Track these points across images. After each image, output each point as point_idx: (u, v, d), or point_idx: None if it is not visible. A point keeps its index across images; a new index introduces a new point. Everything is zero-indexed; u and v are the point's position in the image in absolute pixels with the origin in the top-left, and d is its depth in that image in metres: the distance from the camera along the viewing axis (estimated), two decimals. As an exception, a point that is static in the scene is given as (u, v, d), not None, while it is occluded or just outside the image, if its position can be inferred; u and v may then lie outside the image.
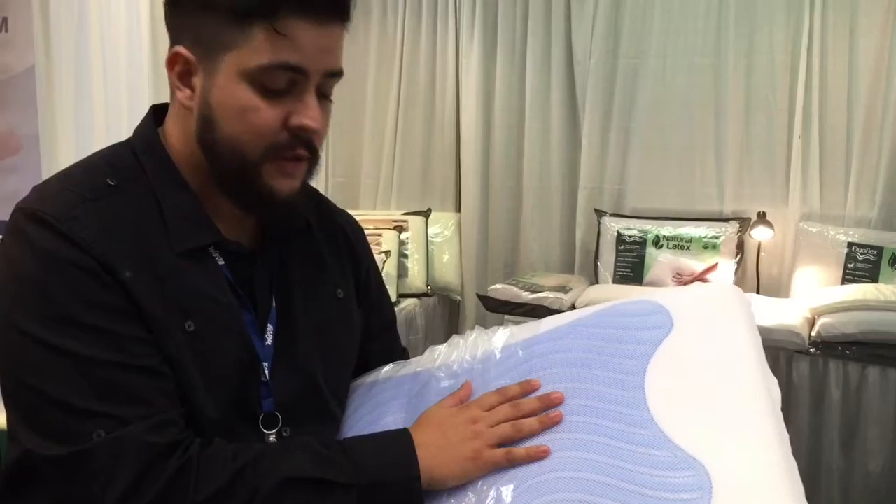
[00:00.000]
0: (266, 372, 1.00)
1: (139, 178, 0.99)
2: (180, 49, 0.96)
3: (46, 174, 2.10)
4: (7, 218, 2.03)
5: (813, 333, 3.29)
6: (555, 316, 1.09)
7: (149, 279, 0.93)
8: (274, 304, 1.04)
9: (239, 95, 0.93)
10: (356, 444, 0.96)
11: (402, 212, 4.51)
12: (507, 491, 0.89)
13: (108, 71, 3.22)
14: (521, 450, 0.92)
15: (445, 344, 1.13)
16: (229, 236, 1.02)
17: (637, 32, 4.18)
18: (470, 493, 0.93)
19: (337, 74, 0.98)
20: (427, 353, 1.14)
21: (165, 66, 0.99)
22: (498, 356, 1.05)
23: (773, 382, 0.95)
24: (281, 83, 0.93)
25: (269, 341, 1.02)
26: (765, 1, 3.95)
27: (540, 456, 0.90)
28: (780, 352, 3.29)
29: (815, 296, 3.53)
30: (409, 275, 4.24)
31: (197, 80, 0.96)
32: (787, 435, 0.89)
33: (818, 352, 3.24)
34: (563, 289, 3.79)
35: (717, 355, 0.95)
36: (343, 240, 1.19)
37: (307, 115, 0.95)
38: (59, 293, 0.89)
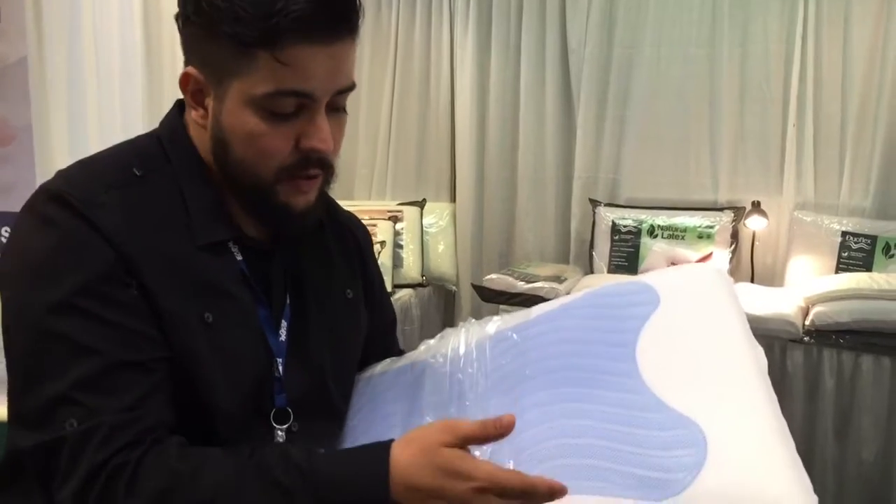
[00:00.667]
0: (280, 368, 1.01)
1: (164, 168, 0.99)
2: (191, 70, 0.96)
3: (40, 165, 2.10)
4: (1, 208, 2.03)
5: (807, 322, 3.30)
6: (546, 302, 1.11)
7: (169, 271, 0.93)
8: (288, 300, 1.05)
9: (246, 121, 0.93)
10: (330, 460, 0.88)
11: (398, 202, 4.51)
12: (510, 463, 0.90)
13: (100, 61, 3.21)
14: None
15: (438, 336, 1.14)
16: (248, 232, 1.02)
17: (632, 22, 4.18)
18: None
19: (348, 90, 0.97)
20: (421, 345, 1.15)
21: (180, 85, 0.98)
22: (490, 342, 1.06)
23: (760, 351, 0.98)
24: (288, 108, 0.93)
25: (282, 337, 1.03)
26: (759, -10, 3.96)
27: None
28: (775, 340, 3.30)
29: (809, 285, 3.54)
30: (404, 265, 4.24)
31: (209, 102, 0.96)
32: (775, 397, 0.93)
33: (812, 340, 3.26)
34: (557, 279, 3.80)
35: (703, 326, 0.99)
36: (352, 241, 1.20)
37: (317, 137, 0.94)
38: (69, 278, 0.88)
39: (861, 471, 3.15)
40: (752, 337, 0.99)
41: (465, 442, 0.84)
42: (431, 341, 1.13)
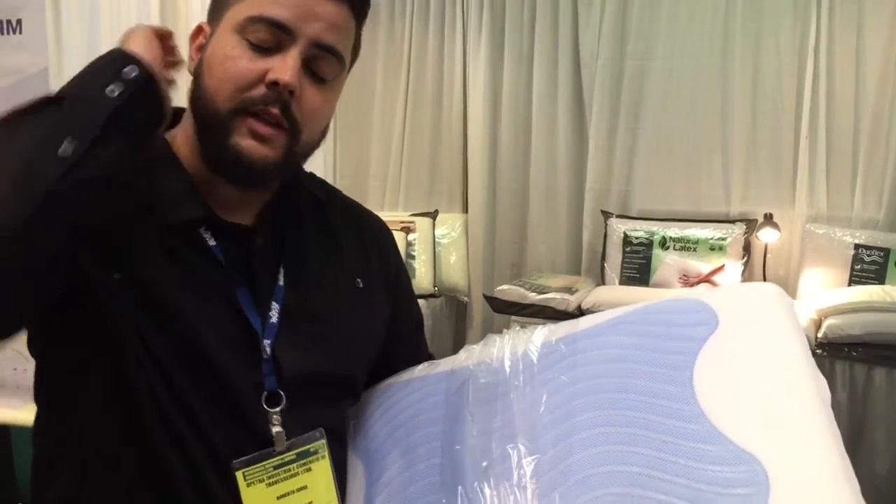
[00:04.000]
0: (267, 349, 0.99)
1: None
2: (202, 23, 1.01)
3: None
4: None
5: (819, 335, 3.29)
6: (594, 314, 1.06)
7: (139, 252, 0.94)
8: (281, 282, 1.04)
9: (224, 43, 0.96)
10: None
11: (410, 213, 4.53)
12: (556, 493, 0.87)
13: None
14: None
15: (481, 343, 1.10)
16: (228, 218, 1.02)
17: (644, 34, 4.20)
18: (517, 491, 0.91)
19: (328, 50, 0.97)
20: (462, 352, 1.11)
21: (190, 40, 1.02)
22: (537, 353, 1.01)
23: (823, 382, 0.92)
24: (265, 38, 0.95)
25: (273, 319, 1.01)
26: (772, 3, 3.97)
27: None
28: (787, 353, 3.29)
29: (821, 297, 3.53)
30: (416, 276, 4.25)
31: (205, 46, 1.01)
32: (839, 432, 0.87)
33: (824, 353, 3.24)
34: (569, 290, 3.81)
35: (765, 352, 0.92)
36: (371, 237, 1.19)
37: (282, 69, 0.94)
38: None
39: (875, 483, 3.13)
40: (815, 366, 0.93)
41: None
42: (475, 347, 1.10)
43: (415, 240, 4.33)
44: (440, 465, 1.00)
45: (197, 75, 0.98)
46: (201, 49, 1.00)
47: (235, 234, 1.02)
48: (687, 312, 0.98)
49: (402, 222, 4.36)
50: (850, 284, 3.66)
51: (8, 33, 2.05)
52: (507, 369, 1.01)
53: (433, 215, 4.51)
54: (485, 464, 0.95)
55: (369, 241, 1.18)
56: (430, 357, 1.23)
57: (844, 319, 3.24)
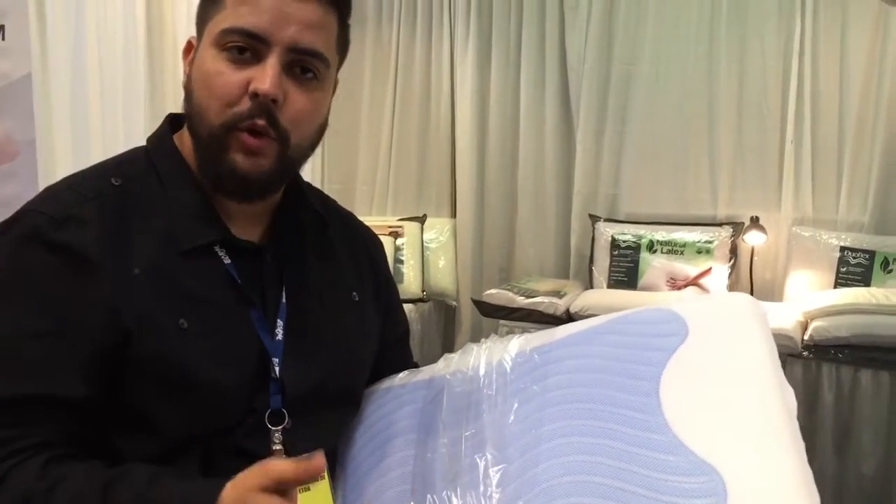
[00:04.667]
0: (276, 368, 1.00)
1: (146, 177, 1.00)
2: (192, 37, 1.02)
3: (43, 179, 2.12)
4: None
5: (806, 337, 3.30)
6: (570, 324, 1.07)
7: (144, 279, 0.93)
8: (284, 299, 1.04)
9: (208, 60, 0.96)
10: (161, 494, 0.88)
11: (398, 218, 4.53)
12: (520, 500, 0.88)
13: (104, 78, 3.24)
14: None
15: (459, 351, 1.11)
16: (239, 235, 1.02)
17: (630, 38, 4.21)
18: (483, 500, 0.91)
19: (307, 52, 0.97)
20: (441, 361, 1.11)
21: (182, 55, 1.03)
22: (511, 363, 1.02)
23: (790, 392, 0.92)
24: (237, 43, 0.95)
25: (279, 336, 1.02)
26: (757, 6, 3.99)
27: None
28: (774, 355, 3.30)
29: (807, 299, 3.55)
30: (404, 280, 4.25)
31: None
32: (802, 444, 0.87)
33: (811, 355, 3.26)
34: (557, 293, 3.81)
35: (732, 363, 0.93)
36: (363, 248, 1.20)
37: (261, 79, 0.94)
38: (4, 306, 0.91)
39: (861, 485, 3.15)
40: (783, 376, 0.93)
41: (280, 483, 0.84)
42: (453, 356, 1.10)
43: (403, 244, 4.33)
44: (412, 474, 1.01)
45: (188, 91, 0.99)
46: (192, 64, 1.00)
47: (246, 251, 1.02)
48: (659, 323, 0.98)
49: (390, 227, 4.35)
50: (835, 287, 3.67)
51: (-9, 39, 2.05)
52: (482, 378, 1.02)
53: (421, 220, 4.51)
54: (454, 472, 0.95)
55: (362, 252, 1.19)
56: (414, 365, 1.23)
57: (830, 321, 3.25)
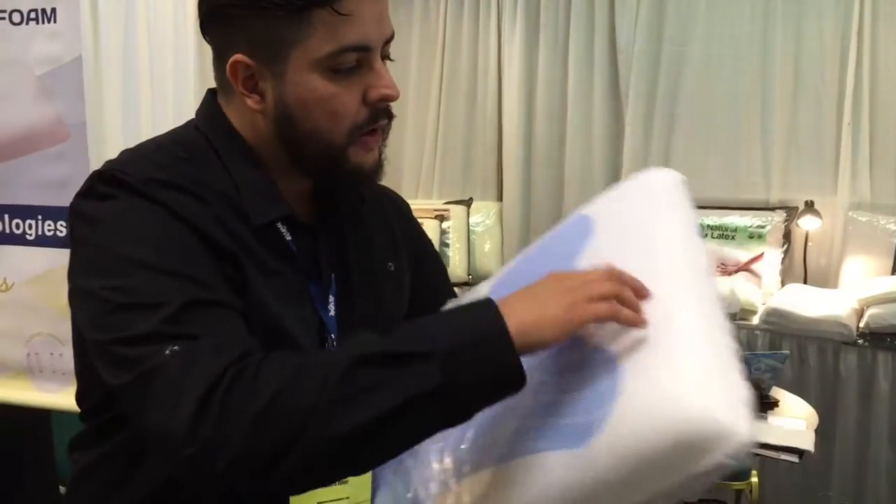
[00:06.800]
0: (333, 343, 1.02)
1: (207, 154, 0.99)
2: (239, 57, 0.94)
3: (94, 161, 2.14)
4: (56, 203, 2.08)
5: (861, 324, 3.24)
6: (525, 248, 1.14)
7: (232, 241, 0.93)
8: (333, 275, 1.05)
9: (314, 86, 0.93)
10: (430, 317, 0.87)
11: (444, 201, 4.52)
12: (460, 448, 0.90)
13: (154, 60, 3.27)
14: (626, 310, 0.83)
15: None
16: (294, 211, 1.03)
17: (682, 18, 4.13)
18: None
19: (392, 37, 0.98)
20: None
21: (229, 76, 0.97)
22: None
23: (699, 251, 0.95)
24: (351, 63, 0.94)
25: (332, 312, 1.03)
26: (814, -15, 3.88)
27: (642, 324, 0.82)
28: (828, 343, 3.24)
29: (863, 286, 3.46)
30: (450, 264, 4.24)
31: (265, 85, 0.95)
32: (713, 297, 0.88)
33: (866, 343, 3.19)
34: (605, 278, 3.77)
35: (631, 243, 0.96)
36: (393, 211, 1.20)
37: (383, 84, 0.95)
38: (133, 244, 0.89)
39: (916, 477, 3.08)
40: (693, 235, 0.97)
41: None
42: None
43: (449, 228, 4.32)
44: None
45: (285, 118, 0.96)
46: (248, 83, 0.96)
47: (300, 226, 1.03)
48: (567, 229, 1.06)
49: (436, 210, 4.35)
50: (893, 273, 3.57)
51: (43, 22, 2.07)
52: None
53: (467, 203, 4.49)
54: None
55: (392, 215, 1.20)
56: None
57: (887, 309, 3.19)
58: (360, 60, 0.94)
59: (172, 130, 1.05)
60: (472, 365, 0.78)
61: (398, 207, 1.23)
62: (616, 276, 0.85)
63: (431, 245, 1.29)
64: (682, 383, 0.76)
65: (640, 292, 0.85)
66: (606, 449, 0.76)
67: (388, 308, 1.11)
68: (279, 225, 1.00)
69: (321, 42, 0.91)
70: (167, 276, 0.86)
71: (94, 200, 0.93)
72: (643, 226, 0.98)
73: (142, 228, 0.90)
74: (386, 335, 0.82)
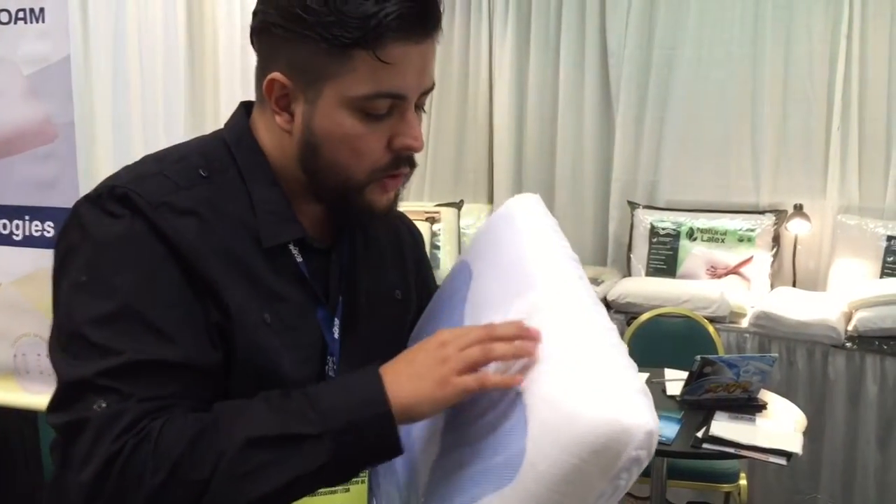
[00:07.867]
0: (334, 367, 1.02)
1: (228, 170, 0.99)
2: (277, 76, 0.95)
3: (82, 161, 2.13)
4: (44, 203, 2.07)
5: (850, 328, 3.25)
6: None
7: (234, 269, 0.93)
8: (340, 299, 1.06)
9: (342, 122, 0.94)
10: (320, 389, 0.90)
11: (435, 203, 4.51)
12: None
13: (144, 60, 3.26)
14: (494, 375, 0.89)
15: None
16: (308, 232, 1.03)
17: (672, 22, 4.14)
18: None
19: (431, 89, 0.99)
20: None
21: (264, 92, 0.97)
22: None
23: (568, 261, 1.00)
24: (383, 109, 0.94)
25: (336, 335, 1.04)
26: (803, -11, 3.89)
27: (513, 383, 0.88)
28: (816, 346, 3.25)
29: (852, 290, 3.48)
30: (440, 266, 4.23)
31: (296, 107, 0.96)
32: (589, 303, 0.93)
33: (855, 346, 3.20)
34: (595, 281, 3.77)
35: (505, 275, 1.01)
36: (408, 244, 1.21)
37: (410, 135, 0.96)
38: (120, 273, 0.88)
39: (905, 480, 3.09)
40: (558, 248, 1.01)
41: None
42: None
43: (440, 230, 4.31)
44: None
45: (309, 145, 0.97)
46: (281, 102, 0.97)
47: (312, 249, 1.03)
48: (454, 275, 1.12)
49: (427, 213, 4.34)
50: (881, 277, 3.59)
51: (31, 22, 2.06)
52: None
53: (458, 205, 4.49)
54: None
55: (407, 245, 1.20)
56: None
57: (876, 312, 3.20)
58: (392, 107, 0.94)
59: (200, 138, 1.05)
60: (358, 444, 0.86)
61: (415, 240, 1.23)
62: (487, 337, 0.90)
63: (435, 284, 1.28)
64: (578, 399, 0.81)
65: (519, 334, 0.89)
66: (533, 479, 0.81)
67: (391, 335, 1.11)
68: (291, 246, 1.00)
69: (358, 82, 0.92)
70: (133, 323, 0.87)
71: (99, 212, 0.92)
72: (513, 256, 1.03)
73: (134, 261, 0.89)
74: (282, 411, 0.86)
